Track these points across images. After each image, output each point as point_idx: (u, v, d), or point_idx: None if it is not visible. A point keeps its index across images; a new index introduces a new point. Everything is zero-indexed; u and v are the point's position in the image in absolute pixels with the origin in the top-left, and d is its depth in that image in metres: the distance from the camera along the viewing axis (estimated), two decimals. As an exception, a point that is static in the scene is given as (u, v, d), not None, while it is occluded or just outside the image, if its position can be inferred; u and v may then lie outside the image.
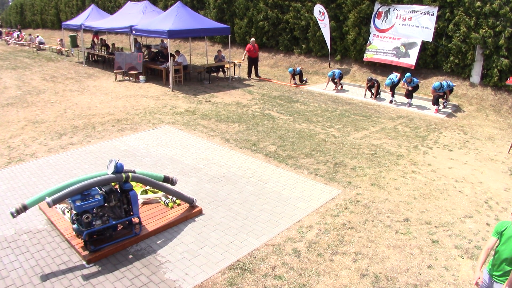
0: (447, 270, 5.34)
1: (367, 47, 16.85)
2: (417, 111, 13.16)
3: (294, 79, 17.08)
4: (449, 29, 14.49)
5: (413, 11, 15.40)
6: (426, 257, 5.62)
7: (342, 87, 16.00)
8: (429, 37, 15.03)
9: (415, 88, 13.65)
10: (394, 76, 14.17)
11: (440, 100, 13.24)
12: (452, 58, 14.58)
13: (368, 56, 16.83)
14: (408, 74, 13.41)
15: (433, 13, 14.80)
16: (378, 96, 14.54)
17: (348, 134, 10.70)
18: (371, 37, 16.77)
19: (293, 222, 6.43)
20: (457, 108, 13.48)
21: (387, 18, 16.24)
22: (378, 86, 14.44)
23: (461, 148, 9.91)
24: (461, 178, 8.18)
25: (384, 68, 16.56)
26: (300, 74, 17.09)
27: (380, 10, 16.43)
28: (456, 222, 6.53)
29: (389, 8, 16.12)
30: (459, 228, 6.35)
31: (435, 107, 12.93)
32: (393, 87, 13.97)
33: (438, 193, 7.49)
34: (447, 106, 13.49)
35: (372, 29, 16.76)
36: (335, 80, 15.64)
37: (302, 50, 19.74)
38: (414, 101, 13.88)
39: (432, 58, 15.37)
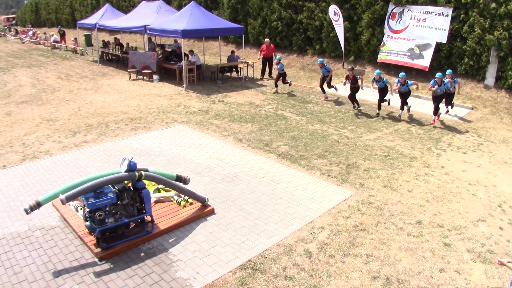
0: (459, 274, 5.29)
1: (381, 48, 16.73)
2: (430, 113, 13.00)
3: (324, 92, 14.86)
4: (463, 31, 14.32)
5: (427, 12, 15.26)
6: (438, 260, 5.57)
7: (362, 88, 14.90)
8: (443, 39, 14.88)
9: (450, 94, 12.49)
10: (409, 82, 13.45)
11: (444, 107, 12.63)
12: (466, 60, 14.41)
13: (382, 57, 16.71)
14: (402, 74, 12.18)
15: (448, 14, 14.64)
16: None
17: (361, 135, 10.65)
18: (385, 38, 16.66)
19: (305, 223, 6.42)
20: (471, 111, 13.32)
21: (401, 19, 16.12)
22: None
23: (475, 151, 9.80)
24: (474, 181, 8.09)
25: (398, 70, 16.41)
26: (330, 78, 14.66)
27: (394, 11, 16.31)
28: (469, 226, 6.46)
29: (403, 9, 16.00)
30: (472, 232, 6.29)
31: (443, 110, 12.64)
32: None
33: (451, 196, 7.42)
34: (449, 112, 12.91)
35: (386, 30, 16.64)
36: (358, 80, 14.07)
37: (316, 51, 19.66)
38: (424, 102, 13.60)
39: (446, 60, 15.20)
